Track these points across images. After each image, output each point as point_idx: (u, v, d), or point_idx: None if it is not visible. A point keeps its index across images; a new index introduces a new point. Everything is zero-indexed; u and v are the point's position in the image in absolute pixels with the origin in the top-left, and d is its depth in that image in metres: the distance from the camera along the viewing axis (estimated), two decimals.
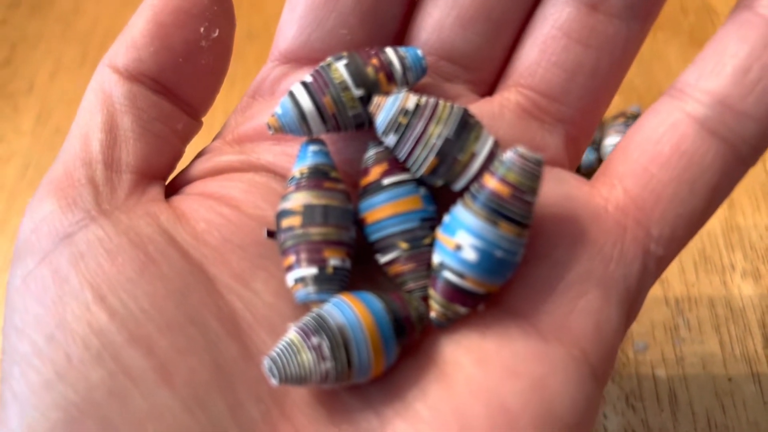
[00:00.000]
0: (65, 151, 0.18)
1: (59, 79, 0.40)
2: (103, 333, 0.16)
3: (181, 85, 0.19)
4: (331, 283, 0.17)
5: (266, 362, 0.16)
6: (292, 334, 0.16)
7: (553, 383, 0.16)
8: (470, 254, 0.16)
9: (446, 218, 0.17)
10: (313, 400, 0.16)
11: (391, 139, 0.17)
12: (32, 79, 0.40)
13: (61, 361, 0.16)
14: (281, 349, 0.16)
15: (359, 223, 0.18)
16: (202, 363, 0.16)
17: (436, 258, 0.17)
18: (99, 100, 0.19)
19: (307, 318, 0.16)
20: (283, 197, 0.17)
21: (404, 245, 0.17)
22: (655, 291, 0.30)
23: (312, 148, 0.18)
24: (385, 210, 0.17)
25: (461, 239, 0.16)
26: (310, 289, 0.17)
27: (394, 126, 0.17)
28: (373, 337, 0.16)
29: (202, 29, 0.19)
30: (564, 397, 0.16)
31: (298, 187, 0.17)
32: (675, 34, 0.38)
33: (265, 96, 0.20)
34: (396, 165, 0.18)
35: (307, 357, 0.15)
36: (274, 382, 0.15)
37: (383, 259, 0.17)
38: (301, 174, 0.17)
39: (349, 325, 0.16)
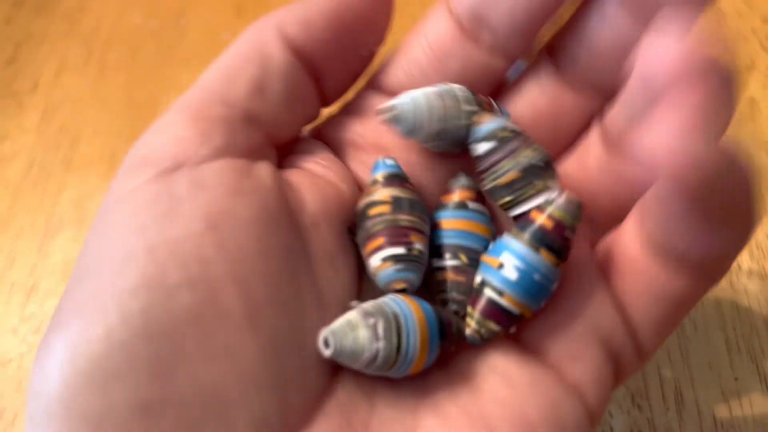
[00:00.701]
0: (206, 83, 0.18)
1: (64, 78, 0.40)
2: (206, 263, 0.16)
3: (329, 79, 0.20)
4: (414, 264, 0.18)
5: (324, 333, 0.16)
6: (351, 313, 0.17)
7: (565, 408, 0.17)
8: (511, 273, 0.17)
9: (492, 245, 0.18)
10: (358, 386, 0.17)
11: (485, 147, 0.19)
12: (37, 77, 0.40)
13: (155, 274, 0.15)
14: (340, 324, 0.17)
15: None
16: (289, 323, 0.16)
17: (479, 277, 0.18)
18: (257, 55, 0.19)
19: (366, 303, 0.17)
20: (368, 194, 0.19)
21: (464, 258, 0.18)
22: None
23: (388, 161, 0.19)
24: (463, 224, 0.19)
25: (504, 259, 0.18)
26: (398, 266, 0.18)
27: (495, 137, 0.18)
28: (422, 329, 0.17)
29: (368, 40, 0.20)
30: (571, 423, 0.17)
31: (384, 185, 0.18)
32: None
33: None
34: (481, 197, 0.19)
35: (363, 334, 0.16)
36: (327, 352, 0.16)
37: (440, 262, 0.19)
38: (383, 177, 0.19)
39: (403, 314, 0.17)
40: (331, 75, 0.20)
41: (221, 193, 0.16)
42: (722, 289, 0.29)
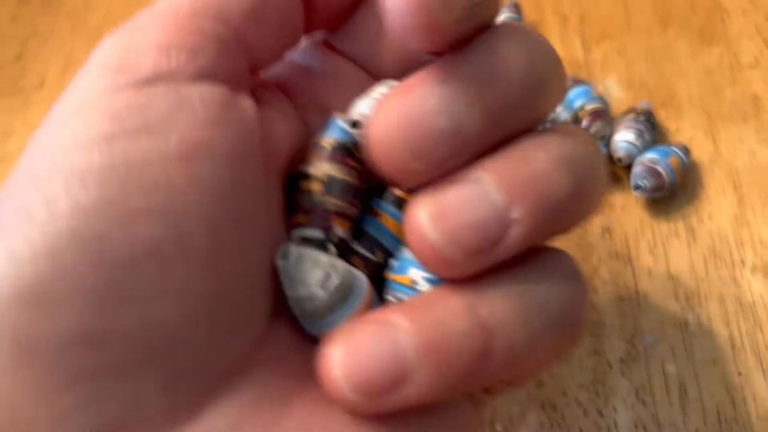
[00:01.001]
0: None
1: (70, 75, 0.40)
2: (175, 194, 0.14)
3: (319, 11, 0.19)
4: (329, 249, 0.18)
5: (290, 246, 0.16)
6: (325, 255, 0.17)
7: None
8: (424, 286, 0.17)
9: (395, 263, 0.18)
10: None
11: None
12: (43, 74, 0.41)
13: (118, 196, 0.14)
14: (308, 251, 0.16)
15: (365, 209, 0.19)
16: (247, 267, 0.16)
17: (393, 297, 0.18)
18: None
19: (341, 261, 0.17)
20: (309, 161, 0.18)
21: (379, 257, 0.18)
22: (665, 286, 0.30)
23: (342, 124, 0.18)
24: (394, 225, 0.18)
25: (414, 275, 0.18)
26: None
27: None
28: (361, 311, 0.17)
29: None
30: None
31: (326, 158, 0.18)
32: (685, 31, 0.38)
33: None
34: None
35: (317, 274, 0.16)
36: (280, 263, 0.16)
37: (357, 247, 0.18)
38: (331, 146, 0.18)
39: (356, 288, 0.17)
40: (323, 7, 0.19)
41: (202, 120, 0.15)
42: (726, 284, 0.30)
